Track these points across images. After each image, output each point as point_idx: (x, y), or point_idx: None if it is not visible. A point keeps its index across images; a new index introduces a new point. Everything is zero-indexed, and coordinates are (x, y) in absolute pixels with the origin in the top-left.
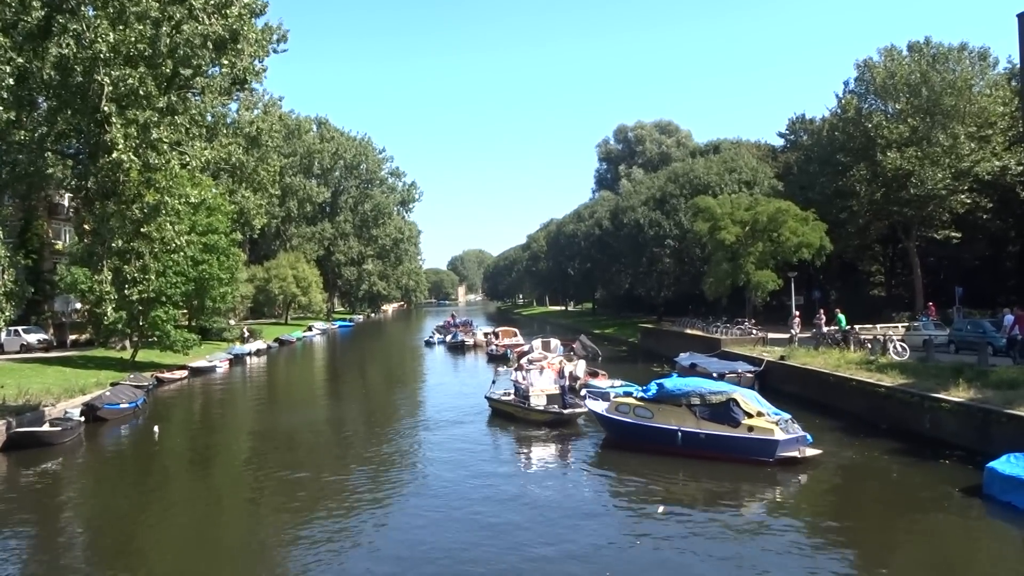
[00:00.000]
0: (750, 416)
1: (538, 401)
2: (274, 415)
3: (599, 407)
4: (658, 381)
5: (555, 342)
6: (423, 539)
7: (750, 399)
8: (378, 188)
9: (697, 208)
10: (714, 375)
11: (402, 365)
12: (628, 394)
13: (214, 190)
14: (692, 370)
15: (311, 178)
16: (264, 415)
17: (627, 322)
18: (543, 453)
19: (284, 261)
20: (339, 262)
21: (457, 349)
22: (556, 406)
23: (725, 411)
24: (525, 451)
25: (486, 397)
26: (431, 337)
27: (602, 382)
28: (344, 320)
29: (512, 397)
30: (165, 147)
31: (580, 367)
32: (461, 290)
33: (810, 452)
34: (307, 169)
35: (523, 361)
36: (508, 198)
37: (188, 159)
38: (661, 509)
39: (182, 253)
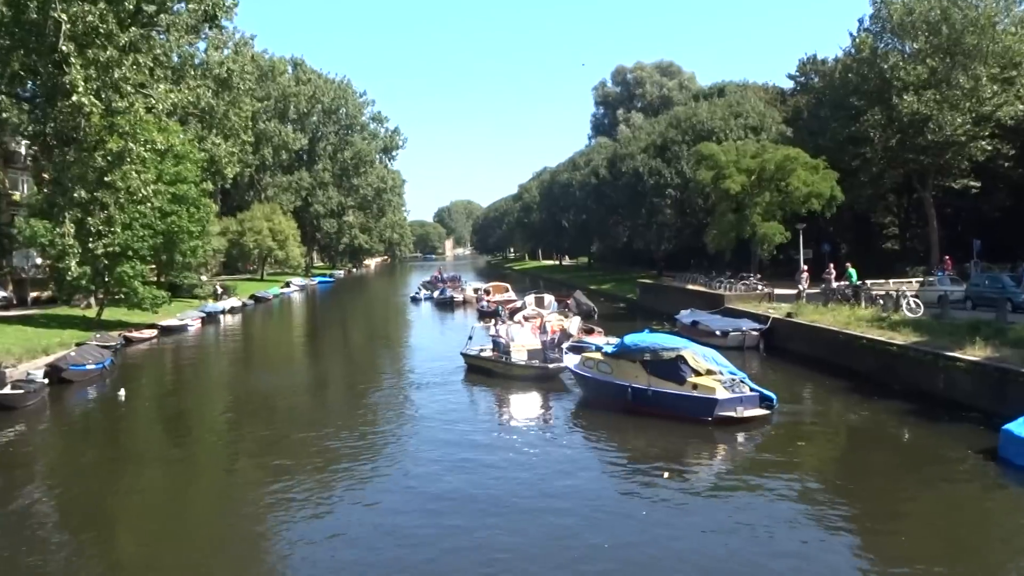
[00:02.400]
0: (698, 374)
1: (519, 356)
2: (250, 377)
3: (572, 361)
4: (626, 337)
5: (549, 298)
6: (393, 512)
7: (702, 356)
8: (359, 134)
9: (700, 155)
10: (716, 333)
11: (386, 323)
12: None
13: (182, 136)
14: (694, 328)
15: (287, 124)
16: (239, 377)
17: (625, 277)
18: (520, 411)
19: (259, 213)
20: (318, 214)
21: (445, 306)
22: (537, 361)
23: (673, 368)
24: (504, 409)
25: (462, 353)
26: (417, 293)
27: (597, 339)
28: (324, 276)
29: (491, 352)
30: (128, 89)
31: (574, 324)
32: (448, 244)
33: (752, 412)
34: (282, 114)
35: (504, 314)
36: (499, 146)
37: (153, 103)
38: (666, 475)
39: (149, 204)
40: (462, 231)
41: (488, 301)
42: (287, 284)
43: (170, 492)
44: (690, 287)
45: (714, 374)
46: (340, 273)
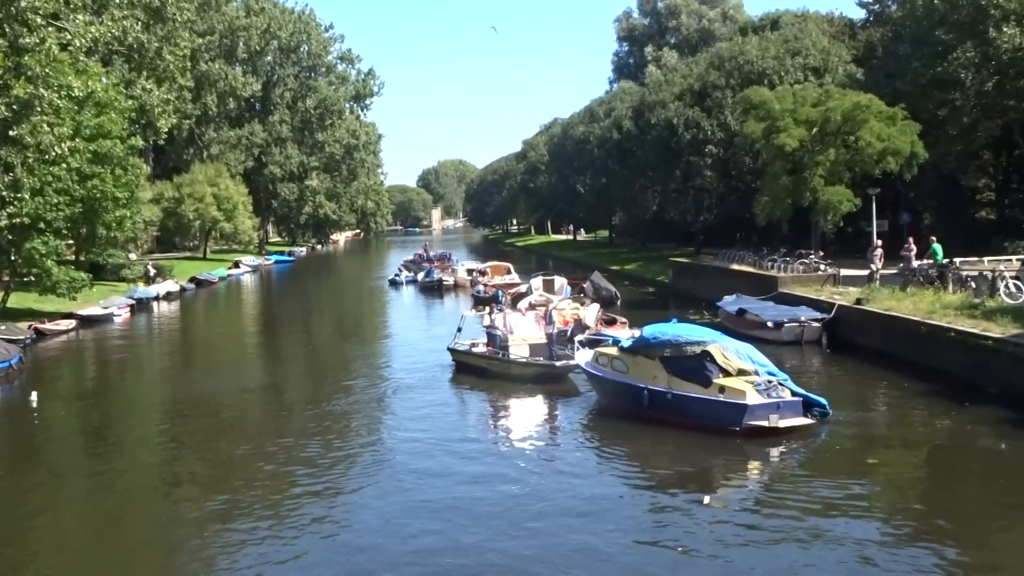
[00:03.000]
0: (727, 374)
1: (519, 352)
2: (191, 379)
3: (583, 358)
4: (645, 328)
5: (560, 281)
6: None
7: (734, 353)
8: (324, 78)
9: (749, 104)
10: (768, 324)
11: (359, 312)
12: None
13: (105, 80)
14: (740, 318)
15: (234, 64)
16: (177, 379)
17: (655, 255)
18: (518, 420)
19: (201, 175)
20: (274, 177)
21: (432, 290)
22: (542, 358)
23: (697, 366)
24: (500, 417)
25: (449, 349)
26: (397, 275)
27: (620, 332)
28: (281, 254)
29: (485, 348)
30: (38, 21)
31: (591, 313)
32: (436, 214)
33: (791, 422)
34: (229, 53)
35: (505, 301)
36: (498, 92)
37: (69, 38)
38: (707, 500)
39: (64, 165)
40: (452, 198)
41: (485, 285)
42: (236, 264)
43: (91, 517)
44: (735, 267)
45: (747, 374)
46: (302, 251)
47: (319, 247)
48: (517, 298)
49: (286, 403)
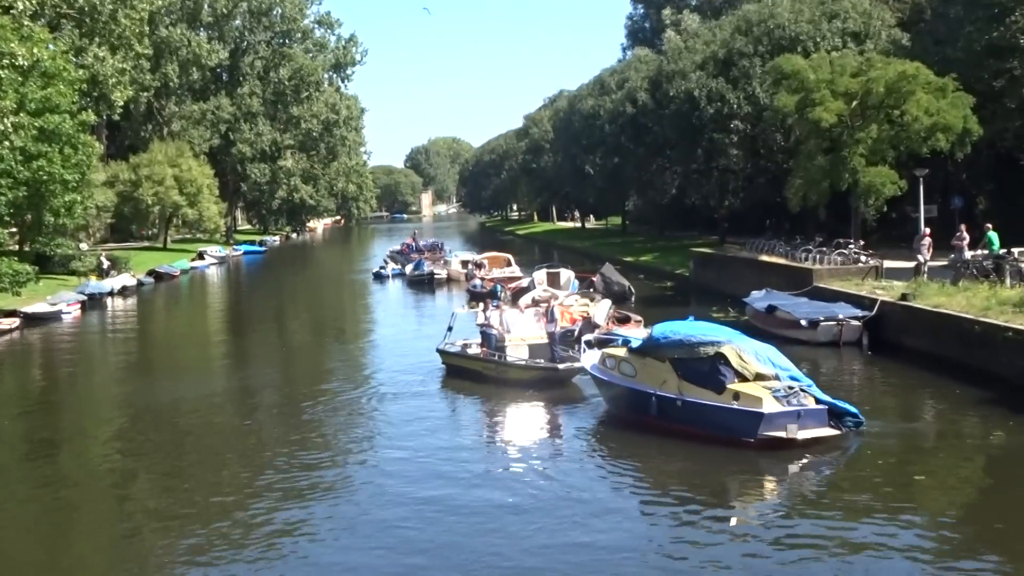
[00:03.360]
0: (743, 379)
1: (517, 353)
2: (149, 385)
3: (590, 360)
4: (656, 326)
5: (567, 274)
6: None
7: (753, 355)
8: (299, 45)
9: (780, 73)
10: (802, 323)
11: (339, 310)
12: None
13: (52, 48)
14: (770, 316)
15: (198, 30)
16: (134, 385)
17: (673, 245)
18: (515, 431)
19: (161, 155)
20: (243, 156)
21: (422, 284)
22: (543, 360)
23: (710, 370)
24: (494, 428)
25: (439, 350)
26: (382, 267)
27: (634, 331)
28: (252, 243)
29: (479, 349)
30: None
31: (601, 310)
32: (426, 198)
33: (813, 432)
34: (192, 17)
35: (504, 297)
36: (496, 62)
37: (10, 1)
38: (734, 521)
39: (7, 143)
40: (445, 181)
41: (482, 279)
42: (200, 255)
43: (30, 541)
44: (765, 258)
45: (766, 379)
46: (274, 240)
47: (294, 235)
48: (518, 293)
49: (256, 413)
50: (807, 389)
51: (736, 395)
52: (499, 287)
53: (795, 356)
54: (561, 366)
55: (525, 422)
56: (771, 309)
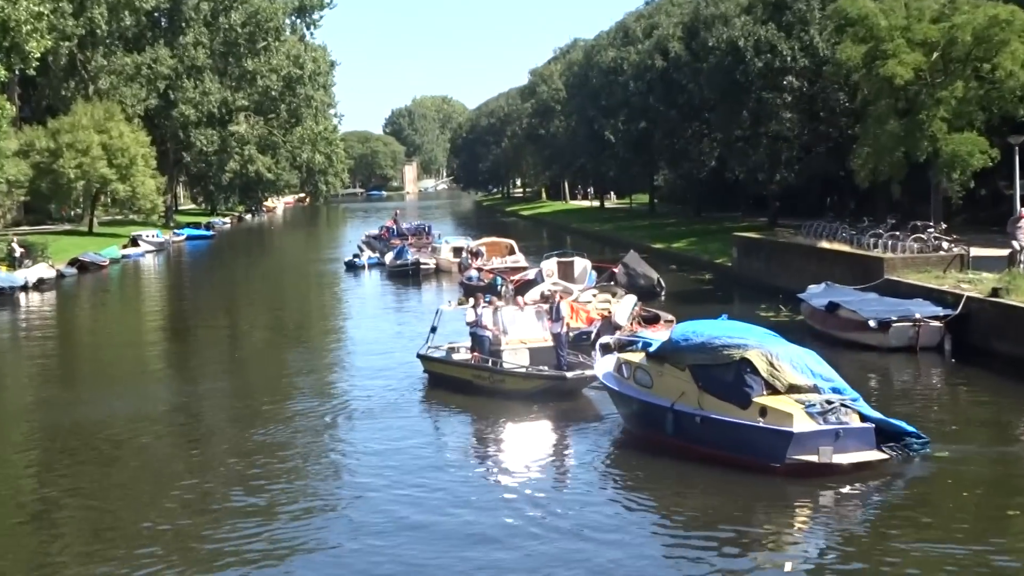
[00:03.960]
0: (773, 390)
1: (516, 359)
2: (72, 400)
3: (605, 367)
4: (676, 327)
5: (583, 264)
6: None
7: (787, 361)
8: None
9: (844, 19)
10: (870, 324)
11: (302, 309)
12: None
13: None
14: (831, 316)
15: None
16: (53, 400)
17: (713, 228)
18: (513, 455)
19: (86, 119)
20: (186, 120)
21: (404, 277)
22: (547, 367)
23: (735, 380)
24: (487, 452)
25: (420, 356)
26: (356, 256)
27: (662, 333)
28: (197, 226)
29: (469, 354)
30: None
31: (624, 307)
32: (410, 171)
33: (854, 457)
34: None
35: (506, 292)
36: (495, 5)
37: None
38: (788, 567)
39: None
40: (433, 150)
41: (479, 269)
42: (133, 241)
43: None
44: (825, 245)
45: (801, 390)
46: (225, 222)
47: (248, 217)
48: (523, 288)
49: (201, 435)
50: (851, 404)
51: (763, 410)
52: (499, 280)
53: (861, 365)
54: (569, 374)
55: (523, 444)
56: (832, 307)
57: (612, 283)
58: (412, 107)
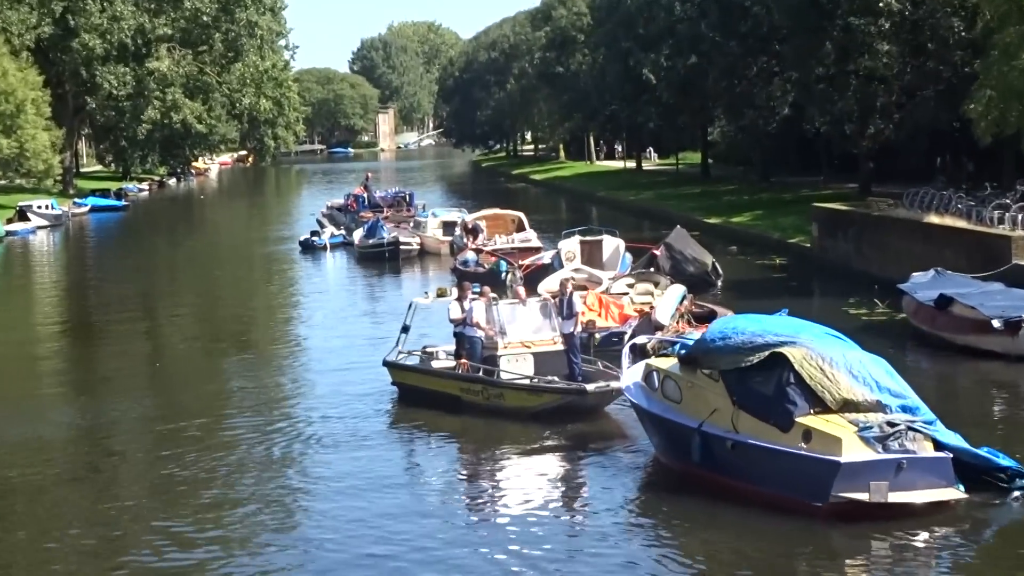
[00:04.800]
0: (822, 407)
1: (517, 367)
2: None
3: (632, 376)
4: (716, 322)
5: (614, 244)
6: None
7: (842, 369)
8: None
9: None
10: (993, 324)
11: (243, 303)
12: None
13: None
14: (942, 312)
15: None
16: None
17: (785, 198)
18: (513, 505)
19: None
20: (89, 55)
21: (379, 260)
22: (558, 377)
23: (775, 393)
24: (480, 501)
25: (387, 363)
26: (316, 234)
27: None
28: (105, 195)
29: (453, 360)
30: None
31: (667, 301)
32: (385, 121)
33: (913, 496)
34: None
35: (513, 279)
36: None
37: None
38: None
39: None
40: (415, 94)
41: (478, 251)
42: (21, 214)
43: None
44: (934, 220)
45: (859, 407)
46: (140, 188)
47: (173, 182)
48: (536, 275)
49: (111, 469)
50: (922, 427)
51: (807, 433)
52: (504, 265)
53: (980, 377)
54: (590, 387)
55: (524, 483)
56: (944, 302)
57: (652, 269)
58: (388, 37)
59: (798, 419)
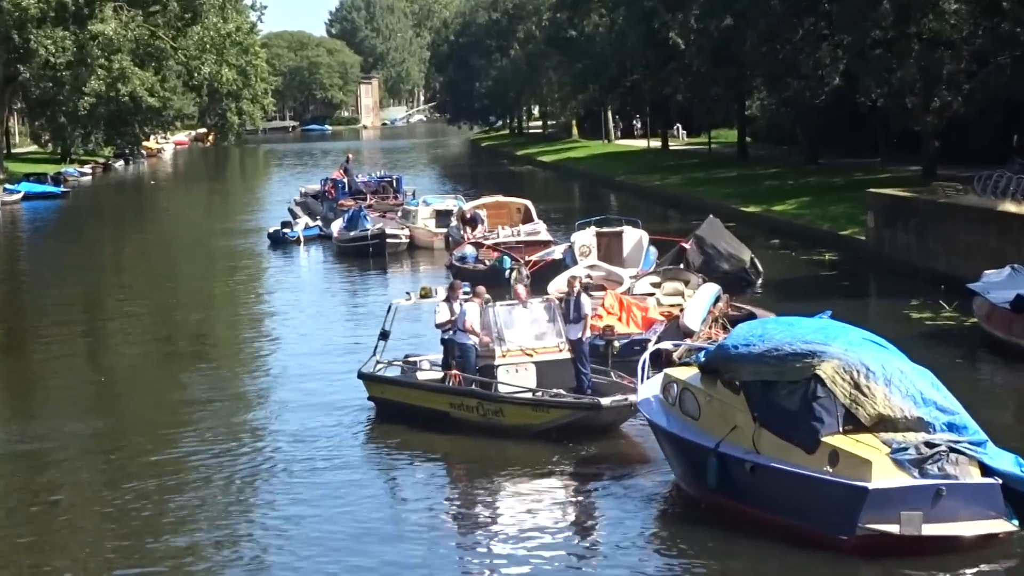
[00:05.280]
0: (855, 425)
1: (517, 377)
2: None
3: (649, 388)
4: (743, 327)
5: (636, 237)
6: None
7: (879, 381)
8: None
9: None
10: None
11: (202, 305)
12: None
13: None
14: (1020, 315)
15: None
16: None
17: (836, 182)
18: (507, 535)
19: None
20: (22, 17)
21: (362, 256)
22: (564, 390)
23: (801, 408)
24: (469, 527)
25: (362, 375)
26: (288, 225)
27: None
28: (41, 180)
29: (440, 371)
30: None
31: (698, 303)
32: (368, 93)
33: (955, 528)
34: None
35: (519, 277)
36: None
37: None
38: None
39: None
40: (404, 61)
41: (477, 244)
42: None
43: None
44: (1010, 208)
45: (896, 426)
46: (84, 172)
47: (121, 164)
48: (545, 272)
49: (48, 503)
50: (968, 449)
51: (833, 455)
52: (508, 261)
53: None
54: (606, 401)
55: (522, 514)
56: (1021, 303)
57: (681, 266)
58: None
59: (825, 439)
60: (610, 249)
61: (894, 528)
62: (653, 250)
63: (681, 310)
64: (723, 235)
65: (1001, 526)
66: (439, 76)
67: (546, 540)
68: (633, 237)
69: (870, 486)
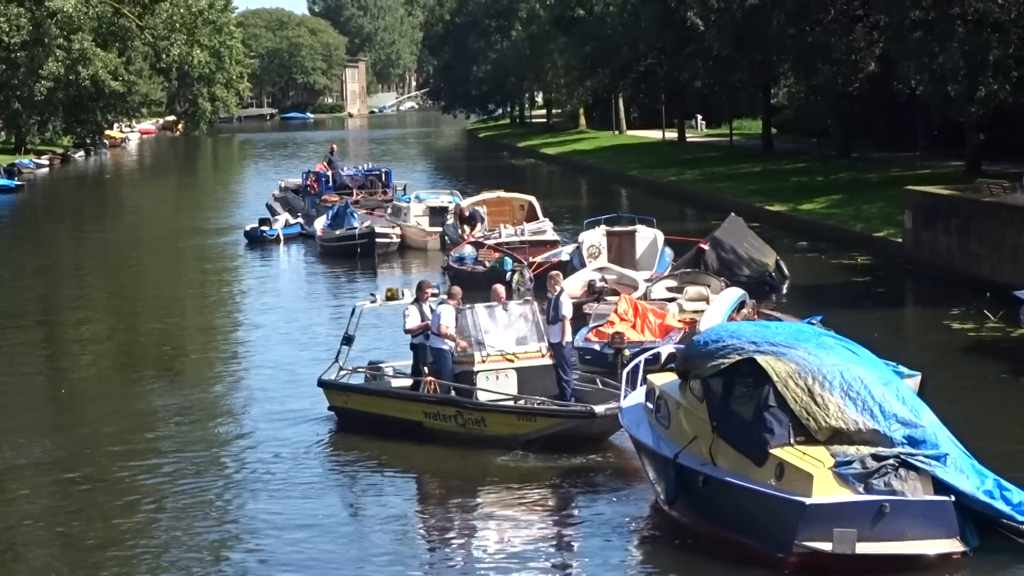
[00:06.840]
0: (806, 436)
1: (498, 384)
2: None
3: (635, 397)
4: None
5: (650, 236)
6: None
7: (840, 388)
8: None
9: None
10: None
11: (171, 312)
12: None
13: None
14: None
15: None
16: None
17: (870, 179)
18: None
19: None
20: None
21: (348, 256)
22: (548, 399)
23: (755, 417)
24: (439, 548)
25: (323, 383)
26: (266, 222)
27: None
28: None
29: (410, 379)
30: None
31: (717, 308)
32: (354, 78)
33: (894, 547)
34: None
35: (522, 279)
36: None
37: None
38: None
39: None
40: (394, 43)
41: (477, 244)
42: None
43: None
44: None
45: (850, 438)
46: (38, 163)
47: (81, 155)
48: (541, 269)
49: (2, 528)
50: (922, 463)
51: (780, 467)
52: (510, 262)
53: None
54: (599, 409)
55: (500, 534)
56: None
57: (700, 269)
58: None
59: (773, 450)
60: (621, 250)
61: (825, 546)
62: (668, 251)
63: (697, 317)
64: (745, 236)
65: (952, 546)
66: (433, 59)
67: (528, 562)
68: (647, 237)
69: (808, 501)
